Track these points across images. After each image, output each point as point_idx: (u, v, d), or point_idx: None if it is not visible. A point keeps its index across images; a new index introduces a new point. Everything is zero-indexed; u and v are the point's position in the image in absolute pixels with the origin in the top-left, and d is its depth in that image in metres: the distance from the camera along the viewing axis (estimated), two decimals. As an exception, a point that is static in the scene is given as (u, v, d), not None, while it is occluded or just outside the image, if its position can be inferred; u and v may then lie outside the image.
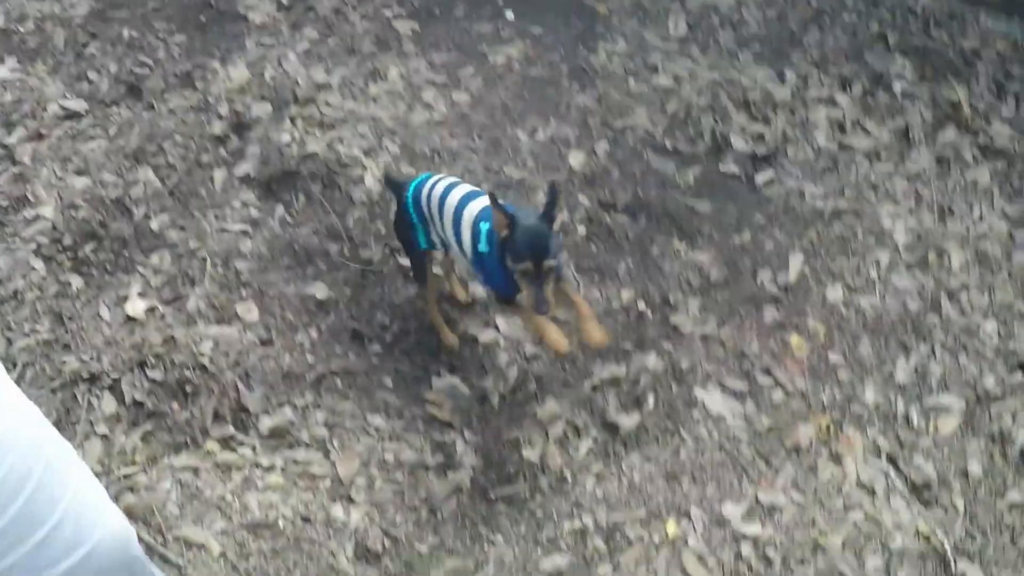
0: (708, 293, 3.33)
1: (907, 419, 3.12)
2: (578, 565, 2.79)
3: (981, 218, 3.60)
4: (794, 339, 3.22)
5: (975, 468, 3.02)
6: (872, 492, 2.95)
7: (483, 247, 2.71)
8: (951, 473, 3.01)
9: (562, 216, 3.49)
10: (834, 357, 3.22)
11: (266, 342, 3.28)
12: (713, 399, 3.06)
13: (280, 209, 3.69)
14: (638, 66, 4.08)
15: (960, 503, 2.95)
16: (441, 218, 2.85)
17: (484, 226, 2.69)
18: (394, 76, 4.12)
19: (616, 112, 3.86)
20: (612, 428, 3.06)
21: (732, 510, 2.92)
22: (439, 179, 2.92)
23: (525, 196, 3.56)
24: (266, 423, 3.05)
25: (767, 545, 2.82)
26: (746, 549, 2.82)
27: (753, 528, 2.85)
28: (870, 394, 3.14)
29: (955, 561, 2.84)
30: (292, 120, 3.93)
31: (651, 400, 3.08)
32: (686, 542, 2.83)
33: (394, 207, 3.19)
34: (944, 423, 3.12)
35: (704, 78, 3.95)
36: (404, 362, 3.22)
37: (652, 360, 3.15)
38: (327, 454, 3.03)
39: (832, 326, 3.31)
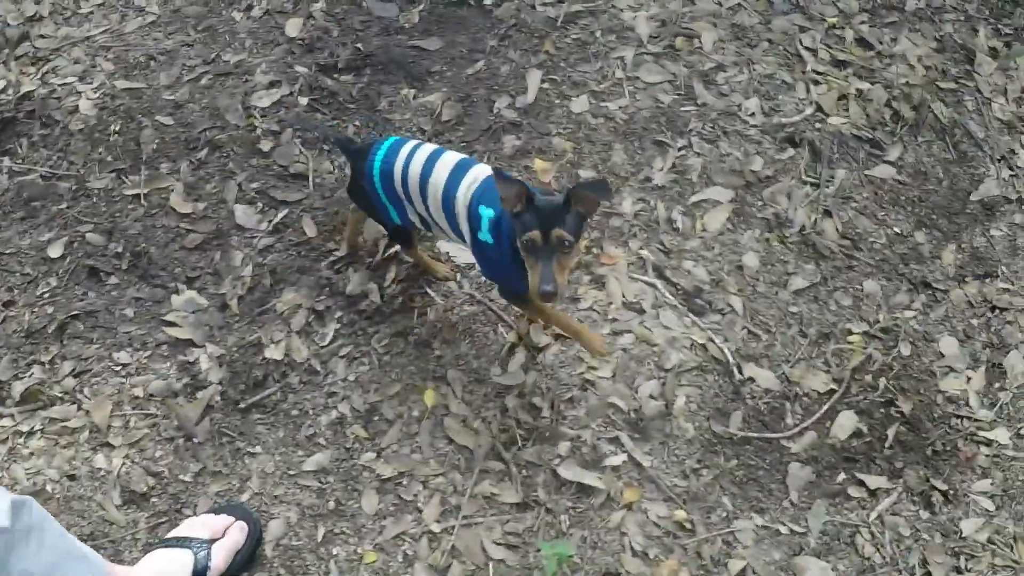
0: (442, 135, 3.04)
1: (671, 222, 2.88)
2: (341, 457, 2.59)
3: (735, -13, 3.27)
4: (538, 162, 2.96)
5: (752, 261, 2.81)
6: (641, 311, 2.74)
7: (485, 236, 2.28)
8: (725, 272, 2.78)
9: (282, 91, 3.17)
10: (585, 173, 2.95)
11: (9, 303, 3.03)
12: (457, 248, 2.82)
13: (6, 160, 3.37)
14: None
15: (738, 303, 2.75)
16: (425, 200, 2.39)
17: (486, 211, 2.25)
18: (105, -15, 3.74)
19: (329, -35, 3.50)
20: (355, 304, 2.84)
21: (491, 366, 2.73)
22: (415, 148, 2.40)
23: (243, 79, 3.24)
24: (18, 389, 2.83)
25: (532, 394, 2.61)
26: (511, 401, 2.62)
27: (515, 377, 2.62)
28: (627, 205, 2.89)
29: (739, 367, 2.64)
30: (5, 64, 3.58)
31: (394, 270, 2.81)
32: (447, 408, 2.61)
33: (347, 171, 2.72)
34: (712, 219, 2.89)
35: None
36: (143, 287, 2.96)
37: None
38: (79, 405, 2.79)
39: (581, 139, 3.04)
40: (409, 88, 3.19)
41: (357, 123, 3.13)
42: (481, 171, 2.33)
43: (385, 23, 3.35)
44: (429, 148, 2.39)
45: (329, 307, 2.82)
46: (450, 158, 2.35)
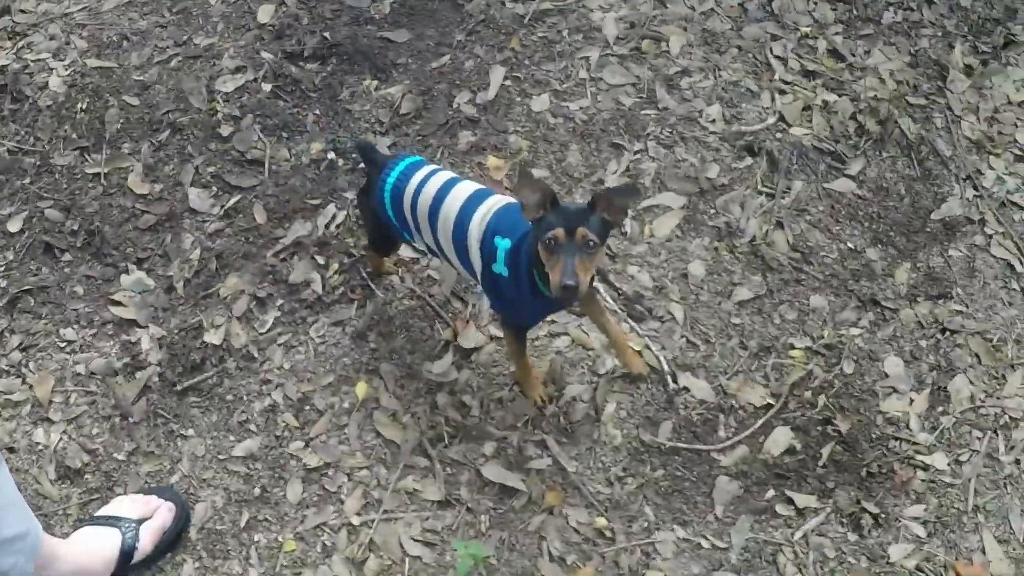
0: (399, 128, 3.03)
1: (619, 228, 2.83)
2: (270, 445, 2.58)
3: (709, -6, 3.23)
4: (491, 160, 2.93)
5: (697, 269, 2.78)
6: (580, 314, 2.69)
7: (500, 268, 2.19)
8: (669, 279, 2.74)
9: (247, 77, 3.17)
10: (539, 172, 2.93)
11: (-32, 279, 3.05)
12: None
13: (-24, 135, 3.40)
14: None
15: (679, 311, 2.71)
16: (434, 230, 2.31)
17: (502, 243, 2.17)
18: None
19: (307, -50, 3.50)
20: (297, 293, 2.85)
21: (424, 361, 2.70)
22: (430, 174, 2.33)
23: (211, 63, 3.27)
24: (-35, 362, 2.83)
25: (463, 392, 2.60)
26: (441, 399, 2.61)
27: (447, 375, 2.61)
28: (578, 205, 2.84)
29: (674, 376, 2.60)
30: (-15, 38, 3.61)
31: (340, 259, 2.80)
32: (378, 402, 2.60)
33: (362, 177, 2.68)
34: (661, 225, 2.86)
35: None
36: (95, 266, 2.97)
37: (342, 214, 2.92)
38: (24, 379, 2.81)
39: (538, 138, 3.01)
40: (372, 79, 3.19)
41: (316, 112, 3.11)
42: (496, 201, 2.25)
43: (356, 13, 3.34)
44: (444, 176, 2.31)
45: (271, 294, 2.81)
46: (464, 189, 2.27)
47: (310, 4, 3.40)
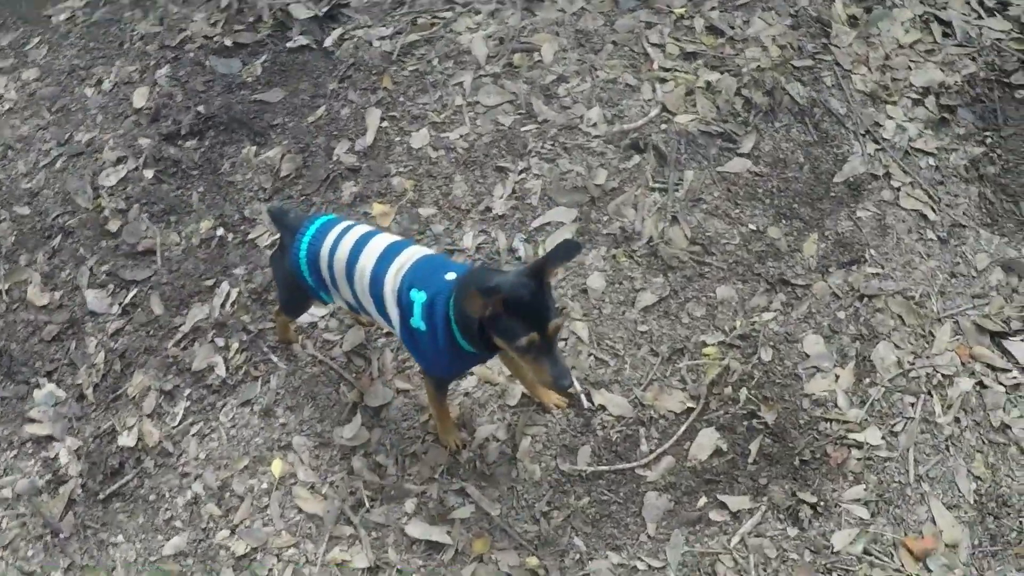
0: (282, 192, 2.97)
1: (512, 252, 2.76)
2: (198, 538, 2.54)
3: (579, -8, 3.15)
4: (376, 207, 2.87)
5: (597, 282, 2.70)
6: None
7: (417, 323, 2.10)
8: (569, 297, 2.67)
9: (128, 166, 3.12)
10: (426, 211, 2.87)
11: None
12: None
13: None
14: (196, -37, 3.62)
15: (583, 329, 2.63)
16: (352, 287, 2.23)
17: (417, 296, 2.09)
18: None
19: (175, 28, 3.48)
20: (202, 379, 2.79)
21: (336, 427, 2.65)
22: (344, 231, 2.25)
23: (93, 158, 3.23)
24: None
25: (376, 452, 2.55)
26: (356, 462, 2.56)
27: (359, 437, 2.56)
28: (468, 239, 2.79)
29: (588, 396, 2.53)
30: None
31: (239, 337, 2.75)
32: (295, 477, 2.55)
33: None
34: (556, 241, 2.76)
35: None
36: (8, 385, 2.95)
37: (235, 291, 2.90)
38: (-45, 512, 2.78)
39: (422, 175, 2.94)
40: (251, 145, 3.13)
41: (200, 189, 3.06)
42: (411, 254, 2.18)
43: (228, 80, 3.29)
44: (359, 231, 2.24)
45: (178, 385, 2.77)
46: (379, 243, 2.20)
47: (182, 80, 3.35)
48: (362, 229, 2.27)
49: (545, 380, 1.96)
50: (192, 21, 3.44)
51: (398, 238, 2.27)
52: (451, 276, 2.06)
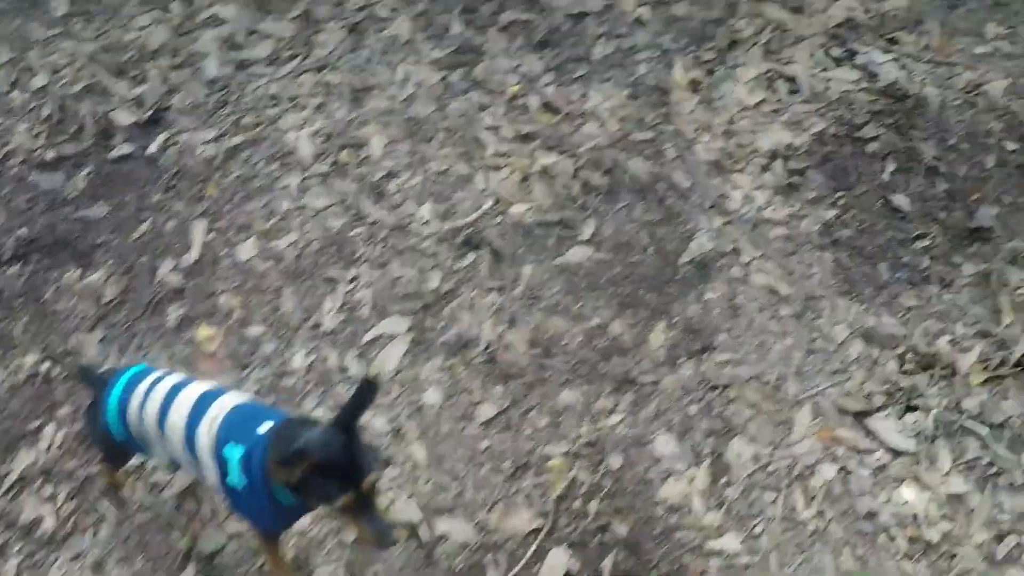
0: (105, 318, 2.78)
1: (343, 371, 2.59)
2: None
3: (406, 79, 2.98)
4: (202, 331, 2.69)
5: (433, 397, 2.54)
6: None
7: (235, 481, 1.96)
8: (405, 416, 2.50)
9: None
10: (255, 330, 2.70)
11: None
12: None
13: None
14: (18, 72, 3.41)
15: (420, 451, 2.46)
16: (165, 444, 2.10)
17: (233, 452, 1.94)
18: None
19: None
20: (31, 532, 2.60)
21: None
22: (154, 383, 2.11)
23: None
24: None
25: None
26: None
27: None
28: (298, 359, 2.62)
29: (428, 524, 2.36)
30: None
31: (68, 484, 2.57)
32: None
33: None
34: (387, 358, 2.62)
35: (83, 56, 3.33)
36: None
37: (61, 434, 2.69)
38: None
39: (249, 291, 2.77)
40: (76, 268, 2.94)
41: (24, 320, 2.87)
42: (224, 405, 2.02)
43: (51, 196, 3.10)
44: (169, 382, 2.09)
45: (8, 540, 2.58)
46: (190, 393, 2.05)
47: (5, 199, 3.16)
48: (172, 380, 2.12)
49: (367, 539, 1.84)
50: (14, 133, 3.24)
51: (209, 387, 2.11)
52: (266, 427, 1.91)
